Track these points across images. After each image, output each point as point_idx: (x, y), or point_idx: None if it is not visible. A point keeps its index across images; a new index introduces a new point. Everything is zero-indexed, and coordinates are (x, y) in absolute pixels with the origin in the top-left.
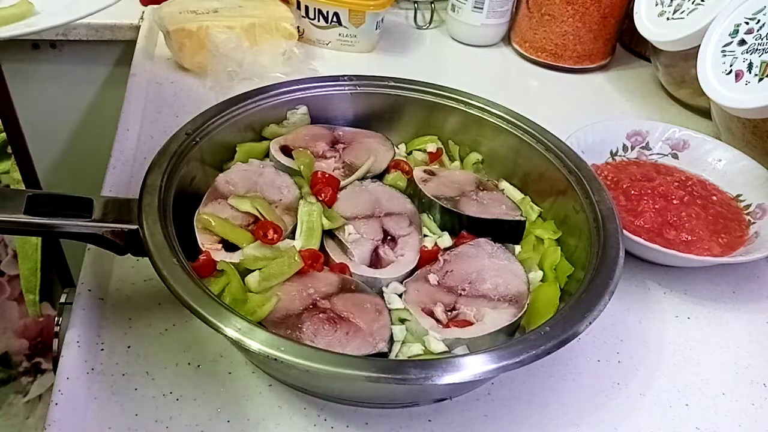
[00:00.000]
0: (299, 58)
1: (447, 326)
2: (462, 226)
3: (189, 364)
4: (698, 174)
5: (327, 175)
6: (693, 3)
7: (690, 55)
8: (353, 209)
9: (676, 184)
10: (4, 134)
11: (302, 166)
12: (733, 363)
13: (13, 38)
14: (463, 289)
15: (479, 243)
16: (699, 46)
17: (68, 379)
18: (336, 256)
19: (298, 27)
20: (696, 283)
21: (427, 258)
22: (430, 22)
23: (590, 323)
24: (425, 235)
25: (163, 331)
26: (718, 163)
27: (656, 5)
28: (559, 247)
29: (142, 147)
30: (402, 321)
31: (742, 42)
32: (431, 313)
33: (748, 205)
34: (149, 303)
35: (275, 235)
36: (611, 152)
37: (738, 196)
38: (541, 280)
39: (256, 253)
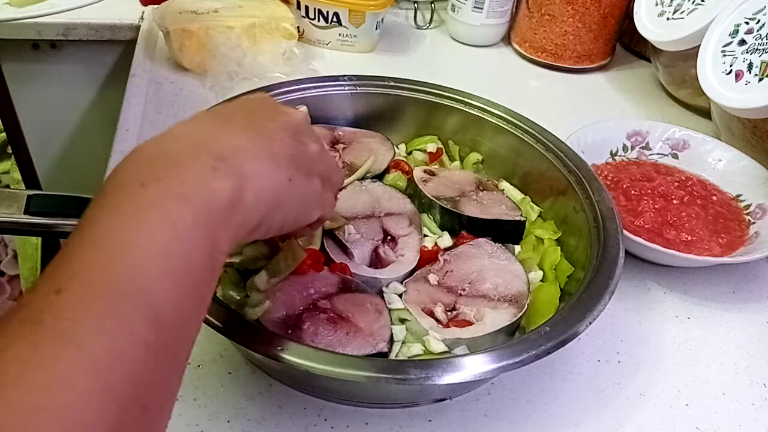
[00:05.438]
0: (299, 58)
1: (447, 326)
2: (462, 226)
3: (189, 363)
4: (698, 174)
5: None
6: (693, 3)
7: (690, 55)
8: (353, 209)
9: (676, 184)
10: (4, 134)
11: None
12: (733, 363)
13: (30, 18)
14: (463, 289)
15: (479, 243)
16: (699, 46)
17: None
18: (336, 256)
19: (298, 27)
20: (696, 283)
21: (427, 258)
22: (430, 22)
23: (590, 323)
24: (425, 235)
25: None
26: (718, 163)
27: (656, 5)
28: (559, 247)
29: None
30: (402, 321)
31: (742, 42)
32: (431, 313)
33: (748, 205)
34: None
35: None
36: (611, 152)
37: (738, 196)
38: (541, 280)
39: (256, 253)
